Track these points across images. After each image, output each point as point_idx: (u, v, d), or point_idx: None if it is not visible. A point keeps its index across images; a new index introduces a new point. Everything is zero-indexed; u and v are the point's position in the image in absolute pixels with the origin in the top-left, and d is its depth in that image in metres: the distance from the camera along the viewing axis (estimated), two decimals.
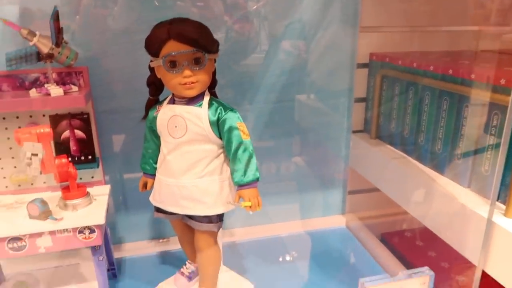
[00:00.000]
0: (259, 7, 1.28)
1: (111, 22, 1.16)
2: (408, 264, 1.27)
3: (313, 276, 1.23)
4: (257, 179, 0.96)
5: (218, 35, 0.94)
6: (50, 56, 0.97)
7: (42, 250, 0.92)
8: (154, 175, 1.04)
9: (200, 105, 0.94)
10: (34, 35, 0.95)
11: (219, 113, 0.94)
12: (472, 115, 0.94)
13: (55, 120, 1.06)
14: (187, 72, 0.89)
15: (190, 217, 1.01)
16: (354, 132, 1.43)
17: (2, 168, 1.06)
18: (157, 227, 1.39)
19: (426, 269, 0.94)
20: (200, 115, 0.93)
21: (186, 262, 1.18)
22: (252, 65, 1.33)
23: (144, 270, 1.26)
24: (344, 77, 1.39)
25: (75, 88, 1.02)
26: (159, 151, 1.02)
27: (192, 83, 0.91)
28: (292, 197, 1.51)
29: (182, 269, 1.17)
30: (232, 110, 0.96)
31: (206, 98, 0.95)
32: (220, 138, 0.96)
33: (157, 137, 1.02)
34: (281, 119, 1.39)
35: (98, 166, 1.11)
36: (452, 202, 0.95)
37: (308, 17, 1.31)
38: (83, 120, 1.07)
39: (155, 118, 0.98)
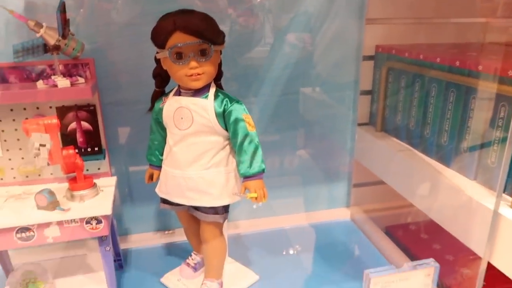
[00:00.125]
0: (263, 0, 1.28)
1: (115, 14, 1.16)
2: (413, 256, 1.27)
3: (318, 268, 1.24)
4: (263, 171, 0.96)
5: (222, 28, 0.94)
6: (56, 48, 0.97)
7: (50, 240, 0.93)
8: (160, 166, 1.05)
9: (206, 97, 0.94)
10: (41, 26, 0.95)
11: (225, 105, 0.94)
12: (479, 107, 0.94)
13: (62, 111, 1.06)
14: (193, 64, 0.89)
15: (196, 208, 1.01)
16: (360, 125, 1.42)
17: (10, 159, 1.07)
18: (163, 219, 1.40)
19: (431, 260, 0.94)
20: (206, 106, 0.93)
21: (192, 253, 1.19)
22: (257, 58, 1.32)
23: (150, 261, 1.27)
24: (350, 69, 1.39)
25: (81, 80, 1.02)
26: (165, 142, 1.02)
27: (198, 74, 0.91)
28: (297, 189, 1.51)
29: (187, 260, 1.18)
30: (238, 101, 0.96)
31: (212, 90, 0.96)
32: (226, 129, 0.96)
33: (163, 129, 1.02)
34: (286, 112, 1.39)
35: (104, 158, 1.12)
36: (458, 194, 0.95)
37: (314, 9, 1.30)
38: (90, 111, 1.08)
39: (161, 109, 0.99)
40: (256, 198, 0.94)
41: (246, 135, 0.94)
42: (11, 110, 1.04)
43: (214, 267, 1.07)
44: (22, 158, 1.07)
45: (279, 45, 1.32)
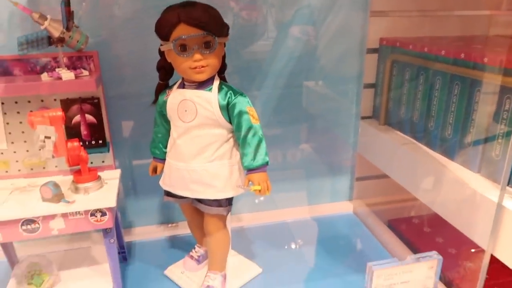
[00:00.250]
0: None
1: (119, 7, 1.16)
2: (415, 250, 1.28)
3: (321, 261, 1.24)
4: (267, 163, 0.96)
5: (225, 21, 0.94)
6: (61, 40, 0.97)
7: (55, 232, 0.94)
8: (164, 159, 1.05)
9: (210, 90, 0.94)
10: (45, 19, 0.95)
11: (229, 98, 0.94)
12: (484, 99, 0.93)
13: (66, 104, 1.07)
14: (197, 56, 0.89)
15: (200, 200, 1.02)
16: (363, 118, 1.42)
17: (14, 152, 1.08)
18: (166, 212, 1.41)
19: (434, 253, 0.94)
20: (210, 99, 0.93)
21: (195, 246, 1.20)
22: (260, 51, 1.32)
23: (153, 254, 1.28)
24: (354, 62, 1.38)
25: (85, 73, 1.02)
26: (169, 135, 1.02)
27: (202, 67, 0.91)
28: (300, 183, 1.51)
29: (191, 253, 1.19)
30: (241, 94, 0.96)
31: (216, 83, 0.96)
32: (230, 122, 0.96)
33: (167, 122, 1.02)
34: (289, 105, 1.39)
35: (108, 151, 1.12)
36: (462, 188, 0.95)
37: (317, 1, 1.29)
38: (94, 104, 1.08)
39: (165, 102, 0.99)
40: (259, 190, 0.94)
41: (250, 128, 0.94)
42: (16, 102, 1.04)
43: (218, 260, 1.08)
44: (27, 151, 1.08)
45: (282, 38, 1.32)
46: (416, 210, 1.47)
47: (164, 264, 1.19)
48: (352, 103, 1.44)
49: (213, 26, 0.89)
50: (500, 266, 0.87)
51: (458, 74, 1.00)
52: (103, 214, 0.95)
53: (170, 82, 1.03)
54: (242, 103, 0.94)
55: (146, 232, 1.38)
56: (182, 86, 0.98)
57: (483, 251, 0.90)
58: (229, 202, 1.02)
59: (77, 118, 1.08)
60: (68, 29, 0.97)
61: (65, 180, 1.04)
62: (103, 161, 1.14)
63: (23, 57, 1.03)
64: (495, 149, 0.91)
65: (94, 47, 1.09)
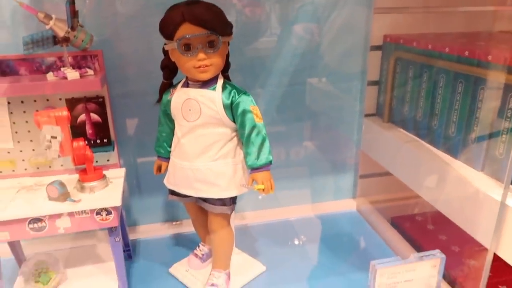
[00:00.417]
0: None
1: (123, 5, 1.16)
2: (419, 247, 1.28)
3: (324, 259, 1.25)
4: (270, 162, 0.97)
5: (228, 19, 0.93)
6: (66, 40, 0.97)
7: (62, 230, 0.95)
8: (168, 158, 1.06)
9: (214, 89, 0.95)
10: (51, 18, 0.96)
11: (232, 97, 0.94)
12: (488, 97, 0.93)
13: (72, 103, 1.07)
14: (201, 55, 0.89)
15: (204, 199, 1.02)
16: (367, 115, 1.42)
17: (21, 151, 1.09)
18: (171, 210, 1.42)
19: (437, 251, 0.94)
20: (214, 98, 0.94)
21: (200, 244, 1.20)
22: (264, 48, 1.32)
23: (158, 252, 1.29)
24: (357, 59, 1.38)
25: (90, 72, 1.03)
26: (173, 134, 1.03)
27: (206, 66, 0.91)
28: (303, 181, 1.51)
29: (195, 251, 1.19)
30: (245, 93, 0.96)
31: (220, 82, 0.96)
32: (234, 121, 0.96)
33: (171, 121, 1.03)
34: (293, 103, 1.39)
35: (113, 150, 1.13)
36: (465, 186, 0.95)
37: None
38: (99, 103, 1.09)
39: (169, 101, 0.99)
40: (263, 189, 0.95)
41: (254, 127, 0.95)
42: (22, 102, 1.05)
43: (222, 258, 1.09)
44: (33, 150, 1.09)
45: (286, 35, 1.31)
46: (420, 208, 1.47)
47: (168, 262, 1.20)
48: (356, 101, 1.44)
49: (217, 25, 0.89)
50: (503, 263, 0.87)
51: (462, 72, 0.99)
52: (109, 213, 0.96)
53: (174, 81, 1.04)
54: (246, 102, 0.95)
55: (151, 230, 1.39)
56: (186, 85, 0.98)
57: (486, 249, 0.90)
58: (233, 201, 1.03)
59: (82, 117, 1.08)
60: (73, 28, 0.98)
61: (71, 179, 1.05)
62: (108, 160, 1.15)
63: (28, 57, 1.03)
64: (498, 147, 0.91)
65: (98, 46, 1.09)
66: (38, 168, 1.10)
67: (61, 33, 0.97)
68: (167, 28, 0.90)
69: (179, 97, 0.97)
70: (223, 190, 0.99)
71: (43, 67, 1.06)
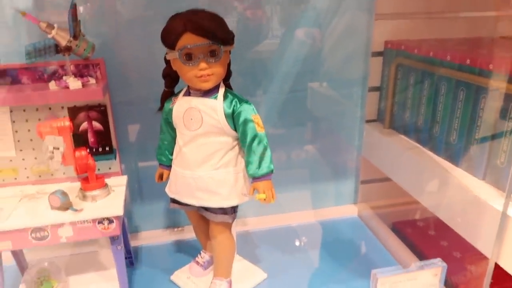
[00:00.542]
0: None
1: (124, 13, 1.16)
2: (420, 253, 1.28)
3: (325, 266, 1.25)
4: (272, 172, 0.97)
5: (229, 23, 0.93)
6: (68, 49, 0.98)
7: (64, 239, 0.95)
8: (170, 166, 1.06)
9: (215, 98, 0.95)
10: (53, 28, 0.96)
11: (234, 106, 0.95)
12: (489, 106, 0.93)
13: (74, 112, 1.08)
14: (203, 65, 0.90)
15: (206, 208, 1.02)
16: (368, 121, 1.42)
17: (23, 159, 1.09)
18: (172, 216, 1.42)
19: (438, 260, 0.95)
20: (215, 107, 0.94)
21: (201, 251, 1.21)
22: (265, 54, 1.32)
23: (160, 258, 1.29)
24: (359, 65, 1.38)
25: (92, 81, 1.03)
26: (175, 142, 1.03)
27: (208, 75, 0.91)
28: (304, 186, 1.52)
29: (197, 258, 1.20)
30: (247, 102, 0.96)
31: (221, 91, 0.96)
32: (235, 130, 0.96)
33: (173, 129, 1.03)
34: (294, 108, 1.39)
35: (115, 158, 1.13)
36: (466, 194, 0.95)
37: (322, 4, 1.29)
38: (101, 112, 1.09)
39: (171, 110, 0.99)
40: (264, 199, 0.95)
41: (255, 136, 0.95)
42: (24, 110, 1.05)
43: (223, 266, 1.09)
44: (35, 158, 1.09)
45: (288, 40, 1.32)
46: (421, 213, 1.47)
47: (170, 269, 1.20)
48: (357, 106, 1.44)
49: (219, 34, 0.89)
50: (505, 272, 0.87)
51: (464, 80, 0.99)
52: (110, 222, 0.96)
53: (176, 89, 1.04)
54: (247, 111, 0.95)
55: (153, 236, 1.39)
56: (188, 94, 0.98)
57: (487, 257, 0.90)
58: (234, 209, 1.03)
59: (84, 125, 1.09)
60: (75, 37, 0.98)
61: (73, 187, 1.05)
62: (110, 168, 1.15)
63: (31, 66, 1.04)
64: (500, 156, 0.91)
65: (100, 54, 1.10)
66: (40, 176, 1.11)
67: (63, 42, 0.97)
68: (169, 38, 0.90)
69: (181, 106, 0.97)
70: (224, 199, 0.99)
71: (45, 76, 1.06)
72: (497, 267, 0.90)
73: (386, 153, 1.30)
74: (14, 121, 1.05)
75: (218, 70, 0.92)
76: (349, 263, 1.25)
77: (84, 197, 1.00)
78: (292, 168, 1.48)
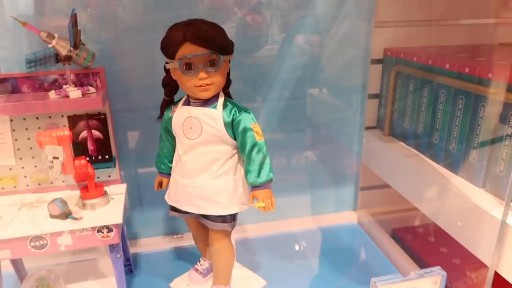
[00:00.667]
0: (271, 2, 1.28)
1: (124, 21, 1.17)
2: (420, 260, 1.28)
3: (325, 273, 1.25)
4: (271, 180, 0.97)
5: (229, 31, 0.94)
6: (68, 58, 0.98)
7: (63, 248, 0.95)
8: (170, 174, 1.06)
9: (215, 107, 0.95)
10: (53, 37, 0.96)
11: (233, 114, 0.95)
12: (488, 114, 0.93)
13: (73, 120, 1.08)
14: (202, 75, 0.90)
15: (205, 216, 1.02)
16: (367, 128, 1.42)
17: (23, 168, 1.09)
18: (171, 223, 1.42)
19: (438, 268, 0.94)
20: (215, 116, 0.94)
21: (200, 259, 1.20)
22: (265, 60, 1.33)
23: (159, 266, 1.29)
24: (358, 72, 1.38)
25: (92, 90, 1.03)
26: (174, 150, 1.03)
27: (207, 85, 0.92)
28: (304, 193, 1.52)
29: (196, 266, 1.19)
30: (246, 111, 0.96)
31: (221, 100, 0.96)
32: (235, 139, 0.97)
33: (172, 137, 1.03)
34: (294, 115, 1.39)
35: (115, 166, 1.13)
36: (465, 202, 0.95)
37: (322, 11, 1.30)
38: (100, 120, 1.09)
39: (170, 118, 1.00)
40: (264, 207, 0.95)
41: (255, 145, 0.95)
42: (24, 119, 1.05)
43: (222, 274, 1.09)
44: (35, 166, 1.09)
45: (287, 47, 1.32)
46: (420, 220, 1.47)
47: (169, 276, 1.20)
48: (357, 113, 1.44)
49: (218, 44, 0.90)
50: (505, 279, 0.87)
51: (463, 88, 1.00)
52: (110, 230, 0.96)
53: (176, 97, 1.04)
54: (247, 120, 0.95)
55: (152, 244, 1.39)
56: (187, 103, 0.98)
57: (487, 266, 0.90)
58: (233, 218, 1.03)
59: (84, 133, 1.09)
60: (75, 47, 0.98)
61: (72, 195, 1.05)
62: (109, 176, 1.15)
63: (31, 75, 1.04)
64: (499, 164, 0.91)
65: (100, 62, 1.10)
66: (39, 184, 1.11)
67: (63, 52, 0.98)
68: (169, 48, 0.91)
69: (180, 115, 0.97)
70: (224, 207, 0.99)
71: (45, 85, 1.06)
72: (496, 275, 0.90)
73: (386, 160, 1.30)
74: (14, 130, 1.06)
75: (217, 80, 0.93)
76: (349, 270, 1.25)
77: (83, 206, 1.00)
78: (291, 174, 1.48)
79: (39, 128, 1.06)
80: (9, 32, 1.09)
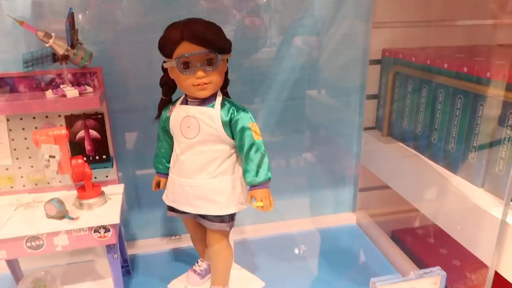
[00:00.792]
0: (269, 4, 1.28)
1: (122, 21, 1.17)
2: (419, 261, 1.27)
3: (324, 274, 1.24)
4: (269, 179, 0.96)
5: (228, 32, 0.94)
6: (65, 58, 0.98)
7: (59, 248, 0.95)
8: (167, 174, 1.06)
9: (213, 106, 0.95)
10: (50, 37, 0.96)
11: (231, 114, 0.94)
12: (487, 114, 0.93)
13: (71, 120, 1.08)
14: (200, 73, 0.90)
15: (203, 216, 1.02)
16: (366, 129, 1.42)
17: (19, 168, 1.08)
18: (169, 224, 1.41)
19: (437, 269, 0.94)
20: (212, 116, 0.94)
21: (198, 260, 1.20)
22: (263, 62, 1.33)
23: (157, 267, 1.28)
24: (356, 73, 1.38)
25: (89, 89, 1.03)
26: (172, 150, 1.03)
27: (205, 84, 0.91)
28: (303, 194, 1.51)
29: (194, 267, 1.19)
30: (244, 110, 0.96)
31: (219, 99, 0.96)
32: (233, 138, 0.96)
33: (170, 137, 1.03)
34: (293, 116, 1.39)
35: (112, 166, 1.13)
36: (465, 202, 0.95)
37: (320, 12, 1.30)
38: (98, 120, 1.09)
39: (168, 118, 0.99)
40: (262, 207, 0.94)
41: (253, 144, 0.95)
42: (21, 119, 1.05)
43: (221, 275, 1.08)
44: (32, 167, 1.09)
45: (286, 48, 1.32)
46: (420, 221, 1.46)
47: (167, 277, 1.19)
48: (355, 114, 1.44)
49: (216, 43, 0.89)
50: (505, 280, 0.86)
51: (461, 88, 0.99)
52: (107, 230, 0.96)
53: (174, 97, 1.04)
54: (245, 119, 0.95)
55: (150, 245, 1.38)
56: (185, 102, 0.98)
57: (487, 266, 0.90)
58: (231, 218, 1.02)
59: (81, 133, 1.09)
60: (72, 46, 0.98)
61: (69, 195, 1.04)
62: (106, 176, 1.15)
63: (28, 74, 1.04)
64: (498, 164, 0.91)
65: (98, 62, 1.10)
66: (36, 184, 1.10)
67: (60, 51, 0.97)
68: (166, 47, 0.90)
69: (178, 114, 0.97)
70: (222, 207, 0.98)
71: (42, 84, 1.06)
72: (497, 275, 0.89)
73: (385, 160, 1.30)
74: (10, 130, 1.05)
75: (215, 79, 0.92)
76: (348, 272, 1.24)
77: (80, 206, 0.99)
78: (290, 175, 1.47)
79: (36, 128, 1.06)
80: (6, 36, 1.08)
